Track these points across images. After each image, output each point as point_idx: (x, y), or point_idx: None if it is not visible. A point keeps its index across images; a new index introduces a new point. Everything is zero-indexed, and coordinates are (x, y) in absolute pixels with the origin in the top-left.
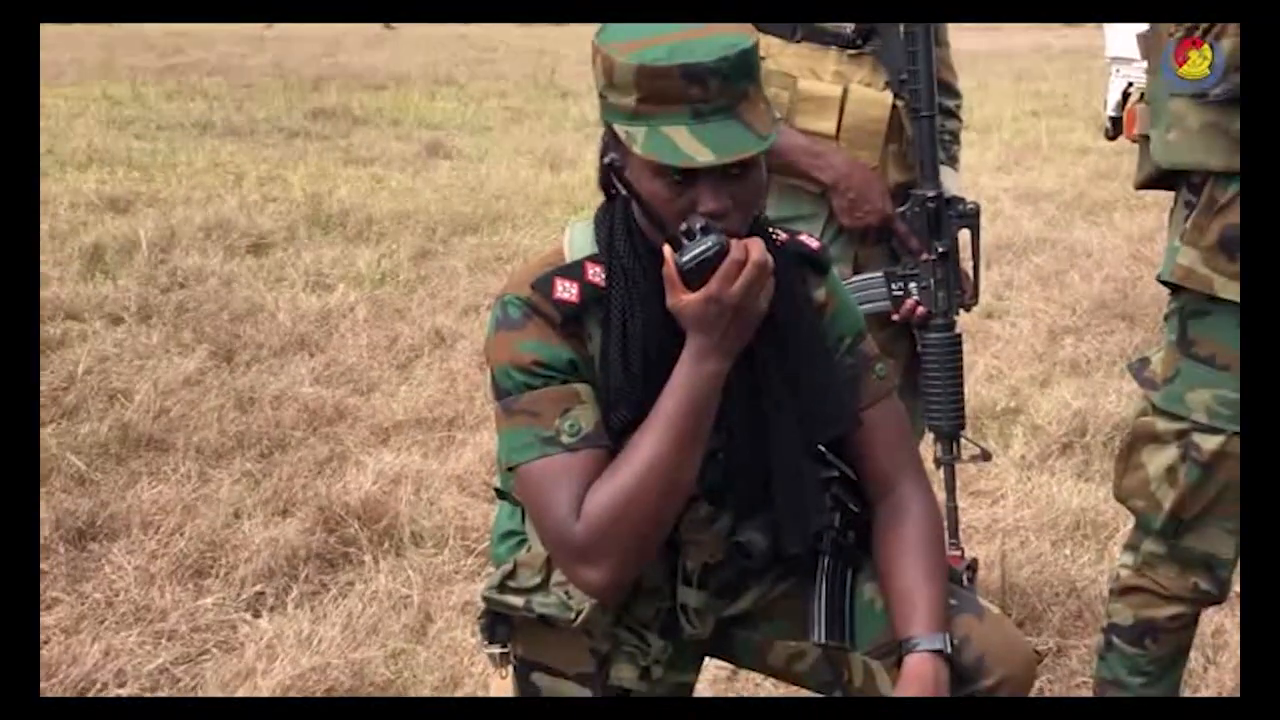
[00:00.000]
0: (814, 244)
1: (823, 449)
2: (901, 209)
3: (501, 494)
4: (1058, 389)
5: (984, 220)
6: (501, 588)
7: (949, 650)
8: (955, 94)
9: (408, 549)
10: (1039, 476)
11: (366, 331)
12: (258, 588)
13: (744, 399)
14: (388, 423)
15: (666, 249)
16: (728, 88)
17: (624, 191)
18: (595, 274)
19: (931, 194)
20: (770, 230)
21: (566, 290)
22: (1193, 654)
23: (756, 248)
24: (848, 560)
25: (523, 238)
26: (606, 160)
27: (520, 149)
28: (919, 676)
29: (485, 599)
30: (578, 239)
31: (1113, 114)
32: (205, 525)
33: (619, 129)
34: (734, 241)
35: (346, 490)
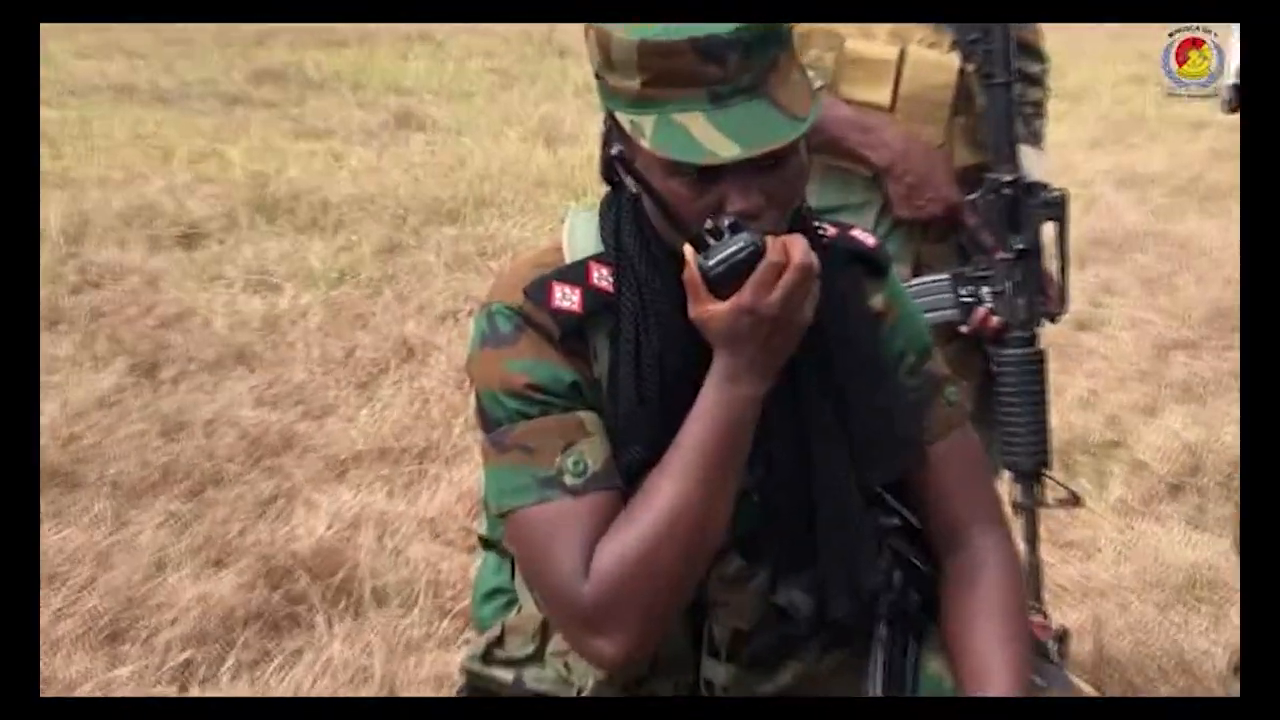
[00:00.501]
0: (869, 240)
1: (881, 492)
2: (972, 196)
3: (487, 543)
4: (1165, 417)
5: (1074, 210)
6: (486, 658)
7: None
8: (1039, 56)
9: (369, 609)
10: (1142, 525)
11: (320, 342)
12: (185, 655)
13: (784, 428)
14: (345, 454)
15: (688, 250)
16: (751, 61)
17: (635, 188)
18: (601, 277)
19: (1009, 178)
20: (816, 224)
21: (566, 298)
22: None
23: (798, 247)
24: (910, 627)
25: (512, 228)
26: (614, 152)
27: (509, 119)
28: None
29: (466, 671)
30: (580, 233)
31: (1235, 81)
32: (122, 578)
33: (622, 118)
34: (771, 240)
35: (294, 536)
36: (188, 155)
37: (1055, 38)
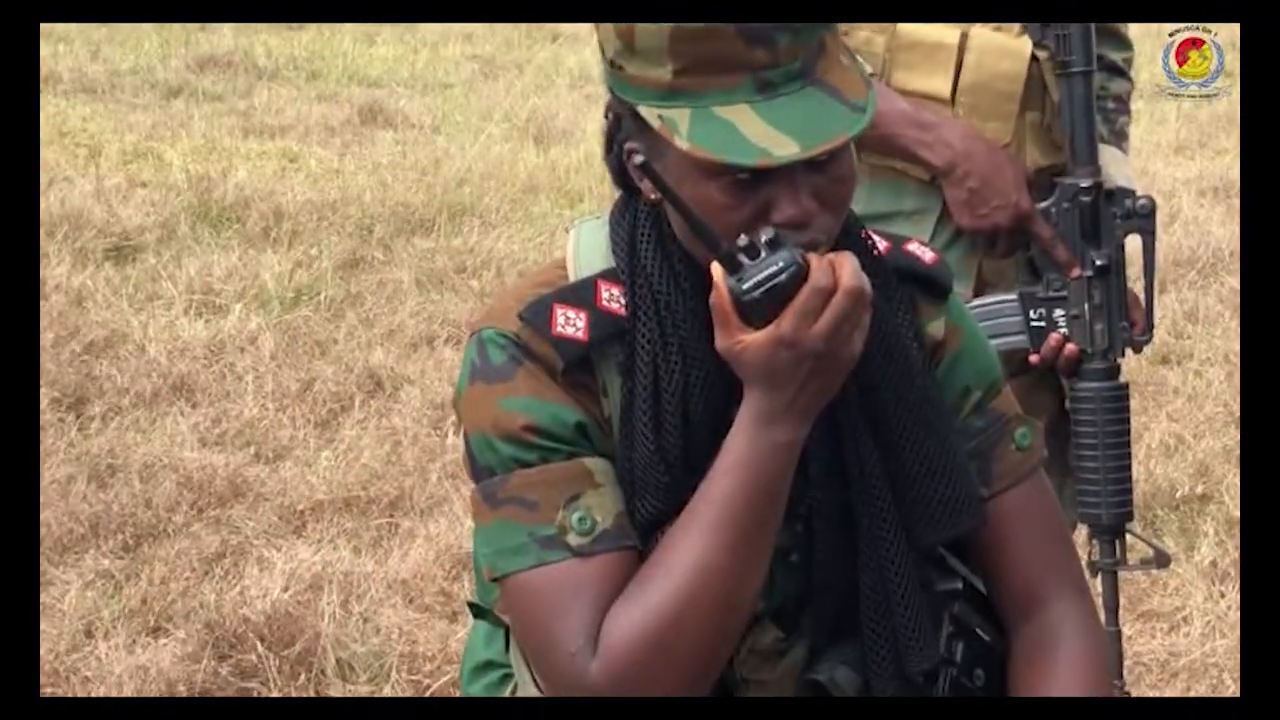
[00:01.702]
0: (928, 256)
1: (940, 550)
2: (1045, 204)
3: (478, 610)
4: None
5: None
6: None
7: None
8: (1123, 42)
9: (332, 684)
10: (1238, 593)
11: (274, 372)
12: None
13: (826, 478)
14: (303, 503)
15: (717, 269)
16: (801, 43)
17: (654, 197)
18: (612, 298)
19: (1088, 183)
20: (866, 235)
21: (570, 323)
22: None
23: (847, 269)
24: None
25: (497, 240)
26: (638, 161)
27: (492, 114)
28: None
29: None
30: (587, 246)
31: None
32: (44, 647)
33: (647, 112)
34: (815, 260)
35: (245, 599)
36: (119, 155)
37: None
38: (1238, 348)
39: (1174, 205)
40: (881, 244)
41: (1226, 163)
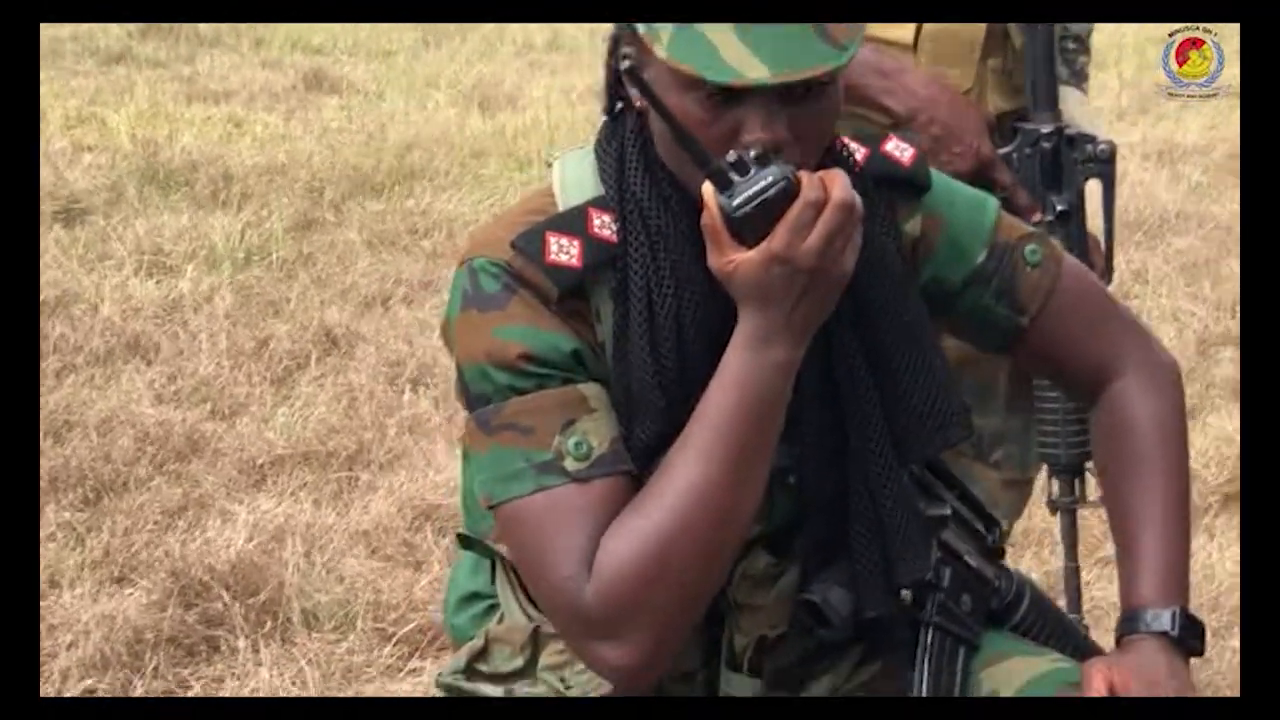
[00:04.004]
0: (905, 156)
1: (930, 478)
2: (1006, 150)
3: (467, 541)
4: (1214, 419)
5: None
6: (469, 673)
7: (1175, 631)
8: None
9: (298, 632)
10: (1192, 540)
11: (228, 331)
12: (86, 684)
13: (817, 397)
14: (262, 457)
15: (707, 188)
16: None
17: (640, 104)
18: (603, 225)
19: (1049, 129)
20: (843, 147)
21: (564, 250)
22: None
23: (838, 183)
24: (960, 635)
25: (446, 202)
26: (624, 66)
27: (437, 81)
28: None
29: (445, 688)
30: (573, 175)
31: None
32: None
33: (638, 24)
34: (806, 175)
35: (209, 549)
36: (63, 120)
37: None
38: (1186, 306)
39: (1121, 169)
40: (859, 152)
41: (1169, 127)
